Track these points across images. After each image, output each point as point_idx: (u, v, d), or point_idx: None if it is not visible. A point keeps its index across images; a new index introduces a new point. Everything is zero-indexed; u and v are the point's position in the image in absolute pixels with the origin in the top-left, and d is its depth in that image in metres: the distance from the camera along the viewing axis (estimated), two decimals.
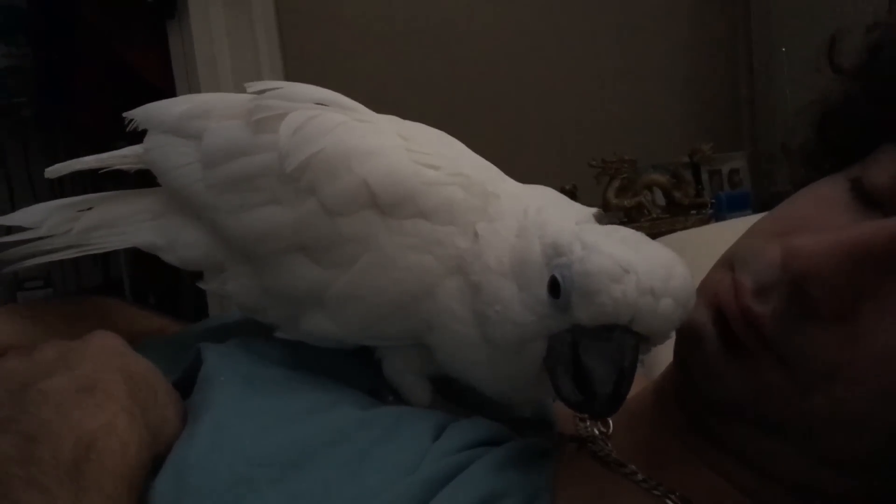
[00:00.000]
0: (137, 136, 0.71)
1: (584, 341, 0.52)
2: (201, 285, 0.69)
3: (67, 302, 0.74)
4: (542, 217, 0.58)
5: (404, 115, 0.68)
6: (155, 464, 0.55)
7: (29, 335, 0.69)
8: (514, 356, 0.56)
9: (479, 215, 0.60)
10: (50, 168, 0.74)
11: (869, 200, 0.55)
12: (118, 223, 0.70)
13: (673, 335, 0.57)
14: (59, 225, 0.71)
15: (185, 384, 0.63)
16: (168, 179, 0.68)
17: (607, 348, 0.51)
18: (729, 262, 0.59)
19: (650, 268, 0.50)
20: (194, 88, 2.30)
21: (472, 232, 0.59)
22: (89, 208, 0.72)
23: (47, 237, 0.71)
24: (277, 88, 0.66)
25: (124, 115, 0.72)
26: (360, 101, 0.67)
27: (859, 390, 0.52)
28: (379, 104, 0.69)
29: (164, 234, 0.68)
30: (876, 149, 0.57)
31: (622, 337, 0.51)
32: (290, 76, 2.55)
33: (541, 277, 0.54)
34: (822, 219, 0.57)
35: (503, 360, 0.58)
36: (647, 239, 0.55)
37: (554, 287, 0.52)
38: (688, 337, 0.58)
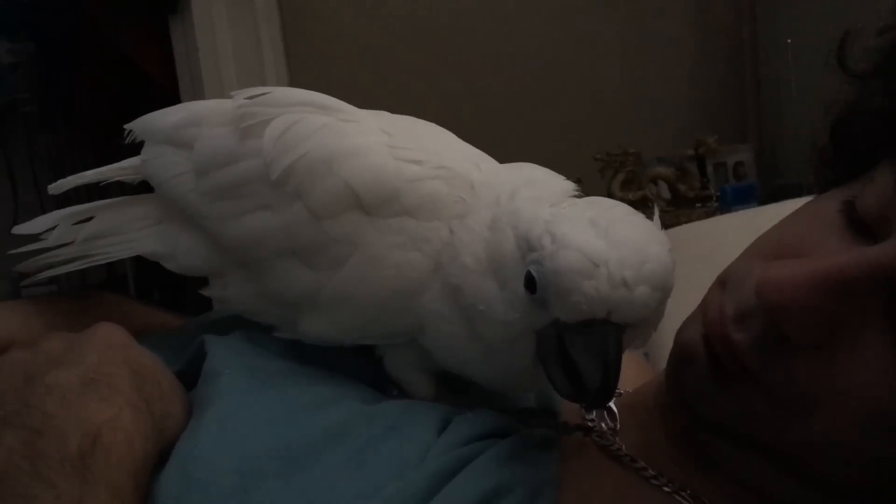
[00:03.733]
0: None
1: (567, 335, 0.51)
2: (205, 292, 0.69)
3: (71, 298, 0.74)
4: (514, 204, 0.56)
5: (406, 108, 0.67)
6: (160, 457, 0.55)
7: (33, 330, 0.69)
8: (507, 352, 0.56)
9: (462, 208, 0.59)
10: (53, 185, 0.75)
11: (860, 223, 0.54)
12: (120, 231, 0.71)
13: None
14: (64, 235, 0.71)
15: (189, 375, 0.63)
16: (165, 190, 0.68)
17: (590, 342, 0.50)
18: (723, 282, 0.59)
19: (622, 256, 0.49)
20: (197, 83, 2.30)
21: (448, 230, 0.59)
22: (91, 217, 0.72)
23: (54, 248, 0.71)
24: (264, 94, 0.66)
25: (124, 127, 0.72)
26: (363, 94, 0.67)
27: (841, 421, 0.51)
28: (382, 96, 0.69)
29: (165, 242, 0.69)
30: (876, 164, 0.56)
31: (603, 330, 0.50)
32: (293, 70, 2.55)
33: (518, 273, 0.53)
34: (812, 242, 0.56)
35: (497, 356, 0.57)
36: (623, 214, 0.53)
37: (530, 283, 0.52)
38: (680, 354, 0.58)
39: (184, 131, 0.68)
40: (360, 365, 0.67)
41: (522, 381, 0.61)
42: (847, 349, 0.51)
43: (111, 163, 0.74)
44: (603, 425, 0.67)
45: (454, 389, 0.67)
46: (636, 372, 0.83)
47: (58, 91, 2.77)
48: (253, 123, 0.63)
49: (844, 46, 0.63)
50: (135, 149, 0.72)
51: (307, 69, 2.56)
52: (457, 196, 0.59)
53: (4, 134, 3.06)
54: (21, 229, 0.73)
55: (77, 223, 0.72)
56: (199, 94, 2.31)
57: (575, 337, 0.51)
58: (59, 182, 0.74)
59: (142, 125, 0.71)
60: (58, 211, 0.73)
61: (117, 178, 0.74)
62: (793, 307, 0.50)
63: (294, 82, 2.55)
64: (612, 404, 0.69)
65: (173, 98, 2.36)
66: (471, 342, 0.58)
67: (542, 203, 0.56)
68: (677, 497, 0.59)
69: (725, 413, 0.56)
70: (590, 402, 0.54)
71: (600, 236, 0.50)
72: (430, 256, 0.59)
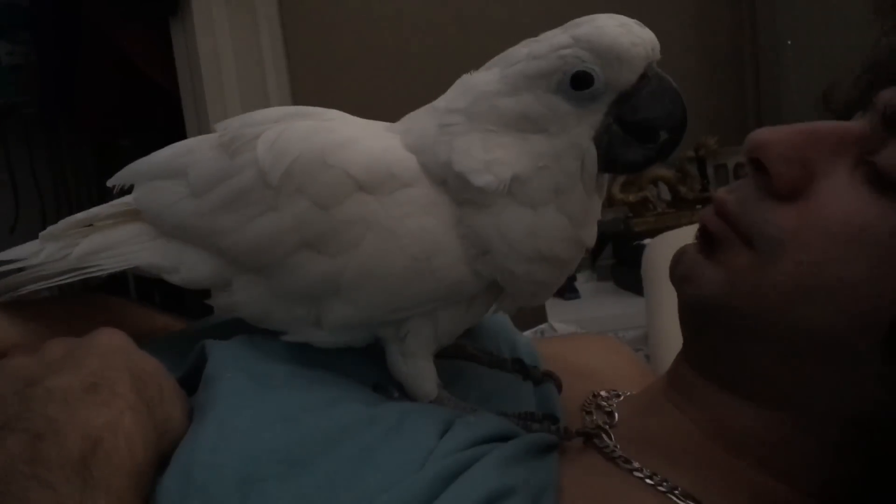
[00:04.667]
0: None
1: (633, 100, 0.59)
2: (210, 302, 0.69)
3: (72, 301, 0.74)
4: (449, 116, 0.62)
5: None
6: (161, 461, 0.55)
7: (34, 334, 0.69)
8: (574, 186, 0.60)
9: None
10: (44, 232, 0.72)
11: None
12: (117, 246, 0.70)
13: None
14: (56, 252, 0.70)
15: (191, 381, 0.63)
16: (164, 219, 0.68)
17: (658, 86, 0.59)
18: None
19: (610, 16, 0.59)
20: (197, 84, 2.30)
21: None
22: (86, 228, 0.71)
23: (44, 264, 0.70)
24: (244, 117, 0.68)
25: (108, 183, 0.72)
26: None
27: (807, 259, 0.56)
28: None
29: (166, 256, 0.68)
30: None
31: (655, 73, 0.59)
32: (293, 70, 2.56)
33: (552, 101, 0.59)
34: None
35: (568, 197, 0.61)
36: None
37: (582, 78, 0.58)
38: (674, 259, 0.65)
39: (175, 161, 0.69)
40: (361, 368, 0.67)
41: (587, 219, 0.63)
42: (817, 196, 0.58)
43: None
44: (601, 422, 0.67)
45: (456, 393, 0.67)
46: (637, 373, 0.84)
47: (58, 93, 2.77)
48: (243, 143, 0.65)
49: (829, 94, 0.71)
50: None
51: (307, 70, 2.56)
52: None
53: (5, 135, 3.06)
54: (5, 255, 0.71)
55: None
56: (199, 96, 2.31)
57: (641, 93, 0.59)
58: (50, 228, 0.72)
59: (128, 172, 0.72)
60: (44, 232, 0.72)
61: (108, 216, 0.72)
62: (773, 140, 0.59)
63: (294, 83, 2.56)
64: (613, 409, 0.70)
65: (174, 99, 2.36)
66: (555, 212, 0.61)
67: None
68: (671, 496, 0.59)
69: (712, 284, 0.61)
70: (673, 140, 0.61)
71: (581, 23, 0.60)
72: (440, 218, 0.61)
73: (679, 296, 0.65)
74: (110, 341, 0.59)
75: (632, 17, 0.60)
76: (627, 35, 0.58)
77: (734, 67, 2.73)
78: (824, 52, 2.02)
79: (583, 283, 2.32)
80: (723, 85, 2.72)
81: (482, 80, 0.62)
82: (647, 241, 1.72)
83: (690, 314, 0.64)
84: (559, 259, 0.63)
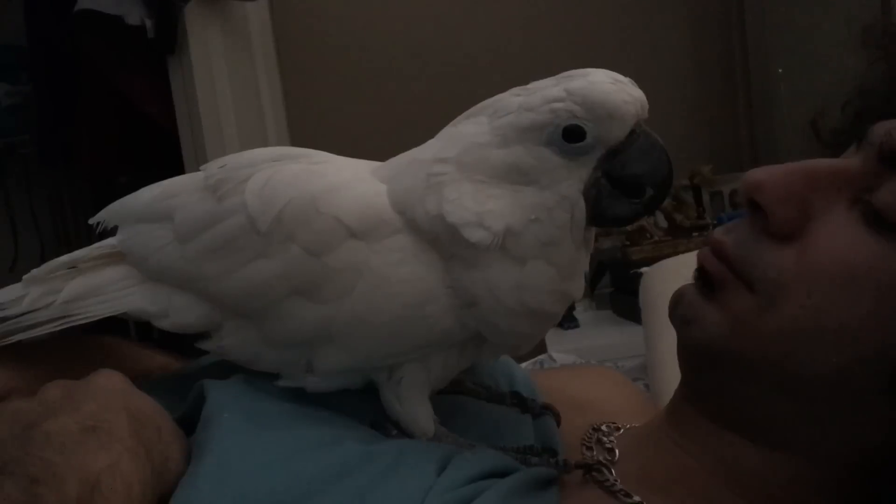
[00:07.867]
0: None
1: (620, 156, 0.59)
2: (202, 346, 0.68)
3: (69, 342, 0.74)
4: (441, 152, 0.61)
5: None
6: (160, 502, 0.55)
7: (31, 377, 0.68)
8: (567, 237, 0.60)
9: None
10: (28, 275, 0.70)
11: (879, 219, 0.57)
12: (103, 291, 0.69)
13: None
14: (40, 298, 0.68)
15: (189, 420, 0.63)
16: (151, 263, 0.67)
17: (644, 142, 0.59)
18: None
19: (604, 73, 0.59)
20: (195, 122, 2.32)
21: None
22: (71, 271, 0.70)
23: (29, 312, 0.68)
24: (231, 159, 0.68)
25: (90, 222, 0.72)
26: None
27: (808, 303, 0.56)
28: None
29: (154, 301, 0.68)
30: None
31: (643, 130, 0.59)
32: (290, 107, 2.58)
33: (543, 153, 0.58)
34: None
35: (556, 249, 0.60)
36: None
37: (574, 132, 0.58)
38: (674, 300, 0.64)
39: (160, 204, 0.68)
40: (359, 406, 0.67)
41: (576, 274, 0.64)
42: (813, 236, 0.58)
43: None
44: (601, 457, 0.67)
45: (453, 430, 0.66)
46: (635, 404, 0.83)
47: (57, 132, 2.78)
48: (231, 187, 0.64)
49: (818, 122, 0.73)
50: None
51: (304, 108, 2.58)
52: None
53: (4, 175, 3.07)
54: None
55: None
56: (197, 134, 2.33)
57: (630, 149, 0.59)
58: (33, 272, 0.70)
59: (111, 213, 0.71)
60: (28, 276, 0.70)
61: (93, 259, 0.70)
62: (769, 181, 0.59)
63: (291, 120, 2.58)
64: (614, 446, 0.69)
65: (172, 138, 2.37)
66: (544, 266, 0.60)
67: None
68: None
69: (713, 326, 0.60)
70: (659, 196, 0.61)
71: (575, 75, 0.59)
72: (430, 266, 0.60)
73: (679, 337, 0.64)
74: (108, 383, 0.59)
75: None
76: (619, 93, 0.58)
77: (727, 96, 2.76)
78: (814, 79, 2.04)
79: (581, 311, 2.32)
80: (716, 113, 2.75)
81: (471, 130, 0.61)
82: (644, 269, 1.72)
83: (692, 356, 0.64)
84: (546, 313, 0.63)
